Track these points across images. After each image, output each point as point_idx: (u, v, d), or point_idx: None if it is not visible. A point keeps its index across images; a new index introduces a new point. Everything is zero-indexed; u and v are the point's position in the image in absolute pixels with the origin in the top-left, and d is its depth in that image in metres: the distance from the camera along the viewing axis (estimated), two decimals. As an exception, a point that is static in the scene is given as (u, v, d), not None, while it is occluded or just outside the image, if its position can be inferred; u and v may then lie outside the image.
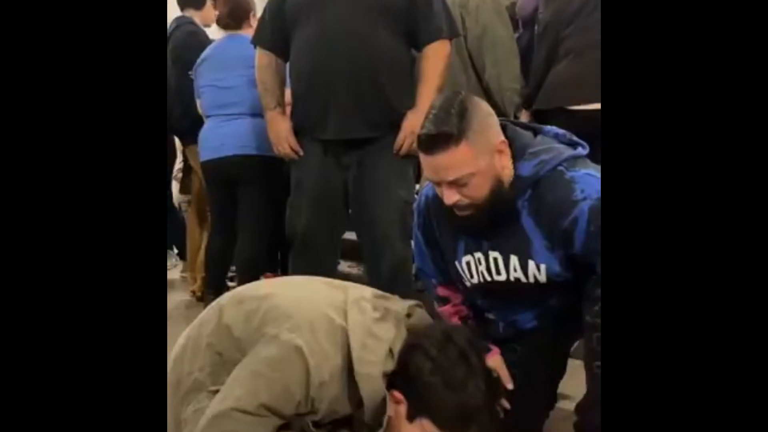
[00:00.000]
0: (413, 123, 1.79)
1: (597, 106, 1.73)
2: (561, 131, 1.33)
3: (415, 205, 1.46)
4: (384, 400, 1.13)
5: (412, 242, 1.49)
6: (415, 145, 1.79)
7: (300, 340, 1.09)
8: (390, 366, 1.13)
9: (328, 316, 1.13)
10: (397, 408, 1.14)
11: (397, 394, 1.14)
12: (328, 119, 1.80)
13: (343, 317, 1.15)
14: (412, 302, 1.25)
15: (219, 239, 2.53)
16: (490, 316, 1.43)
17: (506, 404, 1.31)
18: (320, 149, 1.84)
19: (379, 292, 1.24)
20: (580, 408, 1.32)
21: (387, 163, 1.80)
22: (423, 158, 1.23)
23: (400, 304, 1.22)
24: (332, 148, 1.83)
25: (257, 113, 2.28)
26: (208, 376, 1.14)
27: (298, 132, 1.88)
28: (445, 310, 1.49)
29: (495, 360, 1.38)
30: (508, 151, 1.24)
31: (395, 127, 1.80)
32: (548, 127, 1.34)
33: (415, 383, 1.12)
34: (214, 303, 1.26)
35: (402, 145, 1.81)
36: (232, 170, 2.37)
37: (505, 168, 1.24)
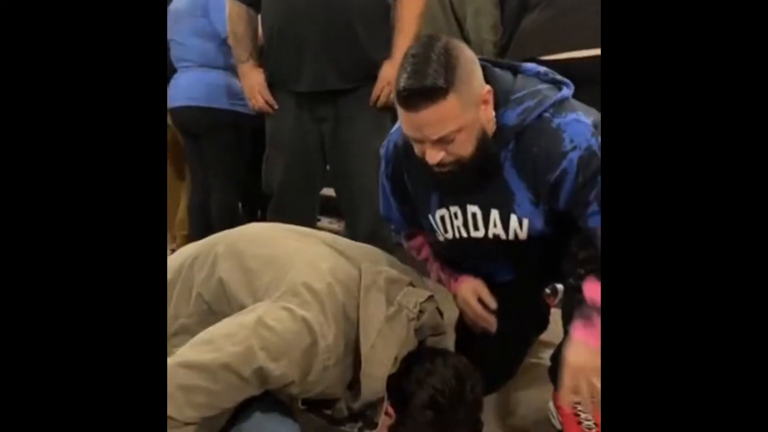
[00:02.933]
0: (390, 73, 1.75)
1: (570, 55, 1.70)
2: (542, 69, 1.23)
3: (382, 152, 1.37)
4: (378, 401, 1.11)
5: (379, 191, 1.42)
6: (392, 97, 1.78)
7: (312, 318, 1.03)
8: (392, 369, 1.11)
9: (338, 300, 1.08)
10: (384, 418, 1.14)
11: (390, 409, 1.13)
12: (302, 71, 1.75)
13: (353, 302, 1.09)
14: (423, 296, 1.17)
15: (197, 191, 2.56)
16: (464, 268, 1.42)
17: (493, 326, 1.30)
18: (294, 102, 1.80)
19: (393, 274, 1.17)
20: (555, 357, 1.35)
21: (364, 115, 1.77)
22: (404, 115, 1.10)
23: (412, 299, 1.15)
24: (307, 100, 1.79)
25: (206, 65, 2.33)
26: (197, 325, 1.09)
27: (271, 85, 1.83)
28: (414, 245, 1.45)
29: (475, 282, 1.36)
30: (492, 100, 1.14)
31: (371, 78, 1.76)
32: (529, 65, 1.24)
33: (408, 408, 1.12)
34: (208, 245, 1.19)
35: (379, 97, 1.77)
36: (188, 122, 2.40)
37: (490, 119, 1.15)
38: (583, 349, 1.10)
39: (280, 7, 1.75)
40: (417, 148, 1.15)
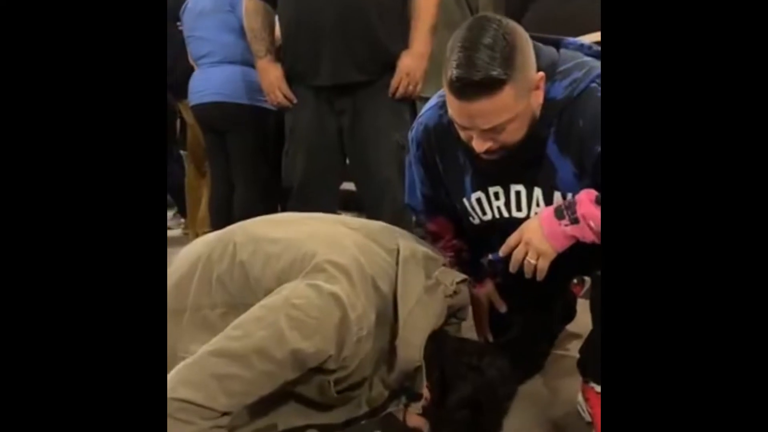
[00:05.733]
0: (408, 64, 1.74)
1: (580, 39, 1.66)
2: (585, 42, 1.20)
3: (411, 135, 1.34)
4: (415, 371, 1.09)
5: (405, 177, 1.41)
6: (411, 87, 1.76)
7: (340, 291, 1.00)
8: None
9: (366, 272, 1.06)
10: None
11: (427, 392, 1.11)
12: (320, 65, 1.74)
13: (385, 275, 1.08)
14: (459, 277, 1.17)
15: (218, 188, 2.57)
16: (491, 256, 1.41)
17: (503, 307, 1.31)
18: (313, 96, 1.79)
19: (430, 252, 1.17)
20: (584, 349, 1.33)
21: (382, 107, 1.76)
22: (455, 103, 1.06)
23: (449, 277, 1.15)
24: (325, 94, 1.78)
25: (233, 61, 2.32)
26: (220, 318, 1.06)
27: (290, 79, 1.83)
28: (436, 234, 1.44)
29: (487, 288, 1.39)
30: (543, 85, 1.11)
31: (389, 69, 1.75)
32: (570, 39, 1.20)
33: (445, 399, 1.10)
34: (226, 234, 1.16)
35: (397, 88, 1.75)
36: (213, 118, 2.40)
37: (540, 103, 1.11)
38: (536, 224, 1.11)
39: (296, 2, 1.74)
40: (463, 134, 1.13)
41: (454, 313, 1.24)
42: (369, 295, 1.04)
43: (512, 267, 1.15)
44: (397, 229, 1.25)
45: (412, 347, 1.07)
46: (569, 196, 1.16)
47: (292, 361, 0.98)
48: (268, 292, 1.05)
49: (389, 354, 1.09)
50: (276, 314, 0.98)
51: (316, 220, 1.23)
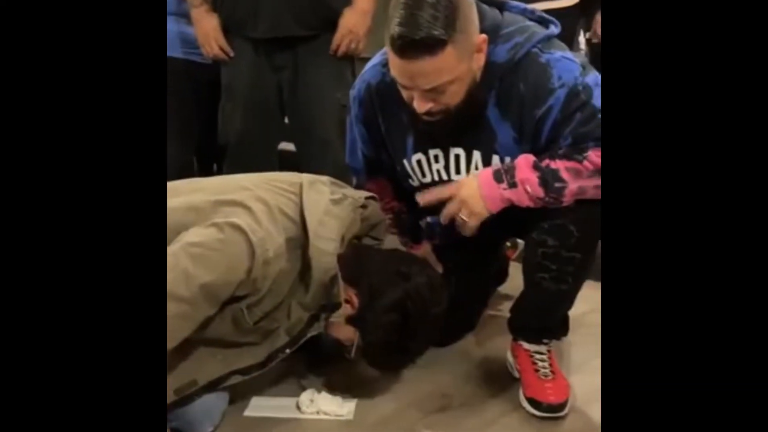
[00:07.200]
0: (350, 21, 1.70)
1: (551, 5, 1.67)
2: (528, 7, 1.20)
3: (353, 93, 1.33)
4: (331, 281, 1.12)
5: (346, 137, 1.41)
6: (353, 45, 1.73)
7: (238, 220, 1.04)
8: (340, 249, 1.13)
9: (267, 201, 1.10)
10: (345, 306, 1.15)
11: (354, 298, 1.15)
12: (258, 16, 1.67)
13: (290, 202, 1.12)
14: (366, 193, 1.22)
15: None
16: (429, 219, 1.42)
17: (439, 268, 1.34)
18: (251, 49, 1.73)
19: (335, 180, 1.22)
20: (514, 309, 1.37)
21: (323, 65, 1.71)
22: (397, 61, 1.05)
23: (357, 193, 1.21)
24: (264, 47, 1.71)
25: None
26: None
27: (227, 31, 1.75)
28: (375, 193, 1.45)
29: (424, 248, 1.42)
30: (485, 48, 1.11)
31: (331, 25, 1.70)
32: (514, 3, 1.20)
33: (373, 304, 1.13)
34: None
35: (339, 46, 1.71)
36: None
37: (481, 66, 1.12)
38: (474, 185, 1.13)
39: (235, -52, 1.66)
40: (404, 94, 1.13)
41: (368, 232, 1.28)
42: (275, 219, 1.08)
43: (443, 219, 1.17)
44: (302, 174, 1.28)
45: (325, 255, 1.10)
46: (507, 160, 1.18)
47: (203, 297, 1.00)
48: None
49: (304, 274, 1.12)
50: (176, 257, 1.00)
51: (219, 178, 1.30)
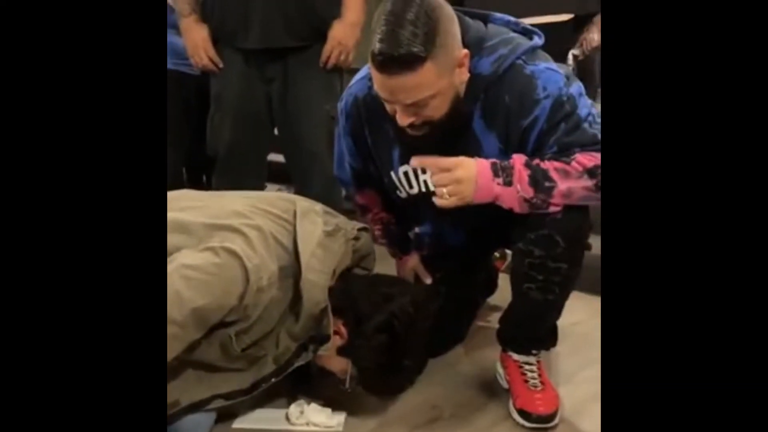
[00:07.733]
0: (340, 33, 1.71)
1: (546, 19, 1.67)
2: (512, 19, 1.21)
3: (340, 106, 1.33)
4: (321, 313, 1.12)
5: (334, 149, 1.41)
6: (342, 57, 1.74)
7: (234, 246, 1.04)
8: (331, 282, 1.13)
9: (263, 229, 1.10)
10: (335, 338, 1.15)
11: (342, 329, 1.15)
12: (249, 26, 1.68)
13: (284, 231, 1.12)
14: (359, 224, 1.23)
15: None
16: (417, 230, 1.43)
17: (428, 279, 1.36)
18: (242, 60, 1.73)
19: (328, 208, 1.23)
20: (503, 319, 1.38)
21: (313, 76, 1.72)
22: (378, 77, 1.07)
23: (349, 224, 1.21)
24: (254, 58, 1.72)
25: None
26: None
27: (216, 41, 1.75)
28: (363, 208, 1.46)
29: (413, 259, 1.43)
30: (468, 63, 1.12)
31: (321, 37, 1.71)
32: (498, 15, 1.22)
33: (362, 329, 1.13)
34: None
35: (329, 57, 1.72)
36: None
37: (464, 80, 1.13)
38: (473, 171, 1.12)
39: (225, -42, 1.67)
40: (388, 107, 1.14)
41: (358, 263, 1.28)
42: (269, 247, 1.08)
43: (435, 182, 1.15)
44: (295, 196, 1.30)
45: (316, 287, 1.10)
46: None
47: (194, 321, 1.00)
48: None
49: (295, 304, 1.12)
50: (170, 278, 0.99)
51: (211, 196, 1.27)
